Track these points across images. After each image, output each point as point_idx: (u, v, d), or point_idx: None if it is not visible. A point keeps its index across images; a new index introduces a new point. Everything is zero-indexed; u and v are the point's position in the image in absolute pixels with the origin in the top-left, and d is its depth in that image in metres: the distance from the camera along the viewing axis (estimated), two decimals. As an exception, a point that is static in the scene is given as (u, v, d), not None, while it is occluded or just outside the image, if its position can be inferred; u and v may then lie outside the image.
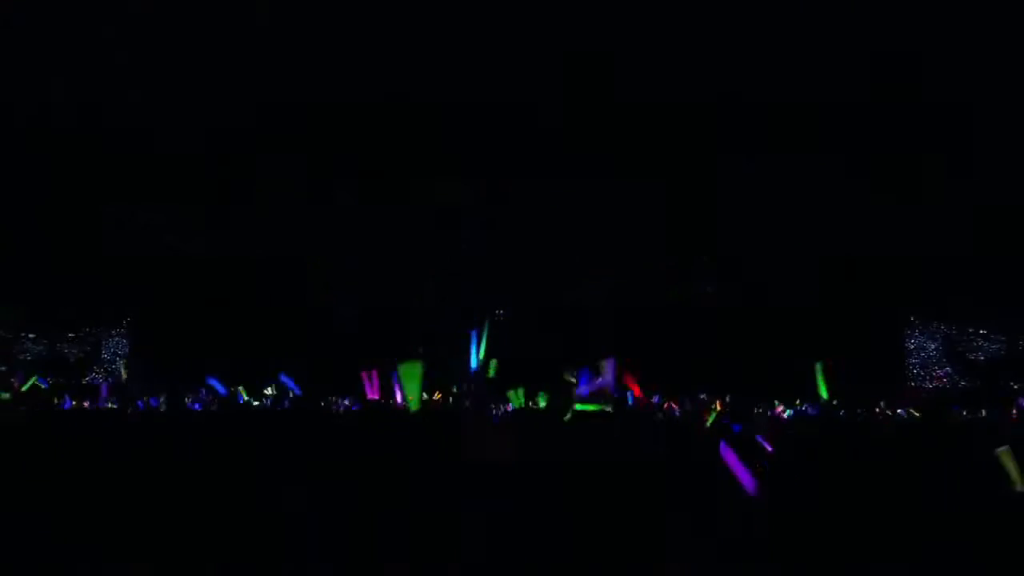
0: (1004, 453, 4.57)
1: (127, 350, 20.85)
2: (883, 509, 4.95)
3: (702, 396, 14.51)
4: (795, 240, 19.14)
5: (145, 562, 4.04)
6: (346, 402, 14.28)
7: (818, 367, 10.11)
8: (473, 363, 7.35)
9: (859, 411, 13.31)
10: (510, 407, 11.06)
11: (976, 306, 19.08)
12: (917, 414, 14.20)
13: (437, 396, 13.68)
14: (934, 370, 19.09)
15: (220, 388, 11.77)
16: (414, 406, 6.92)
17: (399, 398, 7.72)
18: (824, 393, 10.25)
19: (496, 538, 4.37)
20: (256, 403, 14.63)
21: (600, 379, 7.28)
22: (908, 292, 19.38)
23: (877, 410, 14.13)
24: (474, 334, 7.39)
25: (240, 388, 13.32)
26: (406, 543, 4.26)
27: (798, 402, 14.09)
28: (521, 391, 8.05)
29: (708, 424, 7.94)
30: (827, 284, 19.13)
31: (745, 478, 4.76)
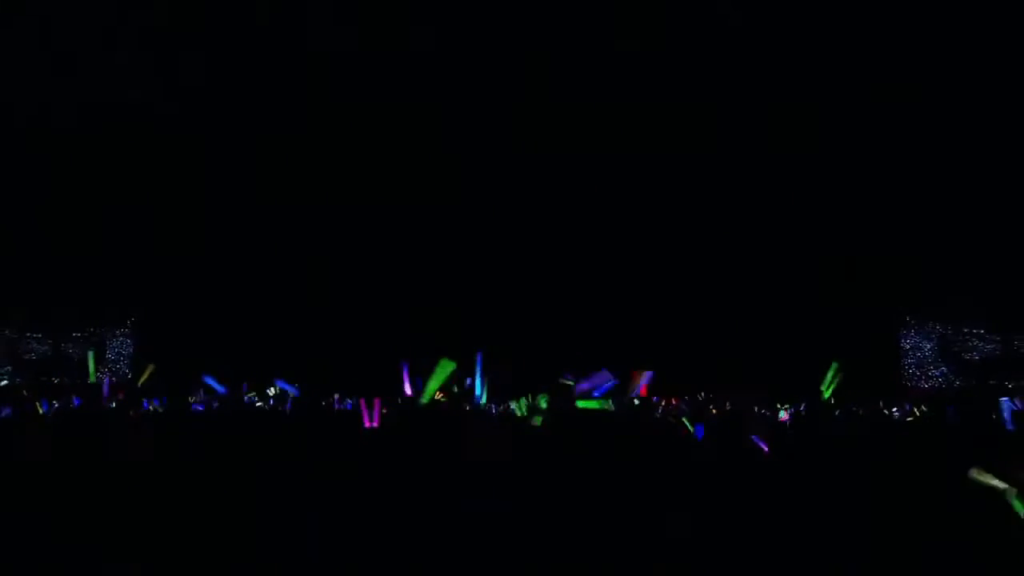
0: (976, 474, 4.55)
1: (131, 350, 20.91)
2: (883, 507, 4.99)
3: (700, 396, 14.55)
4: (794, 239, 19.21)
5: (147, 562, 4.08)
6: (349, 403, 14.32)
7: (833, 367, 10.09)
8: (478, 391, 7.46)
9: (855, 410, 13.35)
10: (510, 406, 11.12)
11: (974, 305, 19.15)
12: (918, 412, 14.21)
13: (439, 396, 13.67)
14: (929, 370, 19.15)
15: (218, 387, 11.77)
16: (425, 399, 7.01)
17: (409, 388, 7.78)
18: (827, 393, 10.27)
19: (496, 538, 4.42)
20: (259, 403, 14.65)
21: (598, 379, 7.37)
22: (905, 291, 19.45)
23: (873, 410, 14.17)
24: (479, 361, 7.51)
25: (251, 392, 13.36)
26: (406, 541, 4.30)
27: (788, 405, 14.11)
28: (523, 402, 8.09)
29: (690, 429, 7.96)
30: (825, 284, 19.19)
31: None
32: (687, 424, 7.96)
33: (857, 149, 19.22)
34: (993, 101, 18.01)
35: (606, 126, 19.63)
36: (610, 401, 8.04)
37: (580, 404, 7.44)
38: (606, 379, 7.46)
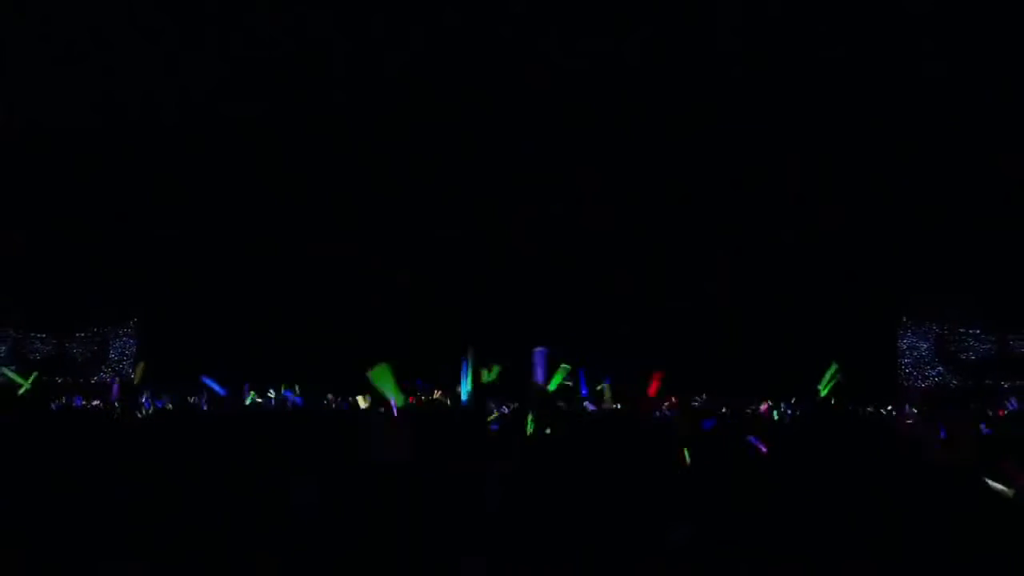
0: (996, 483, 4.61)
1: (134, 350, 20.97)
2: (879, 506, 5.04)
3: (701, 398, 14.62)
4: (792, 239, 19.26)
5: (152, 561, 4.13)
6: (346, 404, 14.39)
7: (832, 368, 10.25)
8: (464, 396, 7.49)
9: (852, 408, 13.42)
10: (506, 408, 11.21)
11: (972, 305, 19.23)
12: (916, 411, 14.28)
13: (437, 395, 13.75)
14: (926, 370, 19.23)
15: (218, 389, 11.82)
16: (399, 402, 7.05)
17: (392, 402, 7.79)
18: (824, 391, 10.38)
19: (495, 533, 4.49)
20: (260, 401, 14.74)
21: (538, 360, 7.50)
22: (902, 290, 19.53)
23: (870, 408, 14.26)
24: (464, 367, 7.56)
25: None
26: (406, 542, 4.36)
27: (793, 400, 14.19)
28: (530, 418, 8.13)
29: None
30: (822, 284, 19.26)
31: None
32: (686, 455, 7.98)
33: (856, 149, 19.28)
34: (990, 103, 18.08)
35: (604, 124, 19.68)
36: (567, 366, 8.14)
37: (551, 387, 7.51)
38: (542, 356, 7.59)
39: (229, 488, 5.55)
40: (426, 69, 19.60)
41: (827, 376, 10.40)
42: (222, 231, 20.38)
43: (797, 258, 19.30)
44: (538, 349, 7.52)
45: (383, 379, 7.02)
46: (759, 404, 13.75)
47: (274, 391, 15.21)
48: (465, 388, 7.61)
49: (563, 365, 7.83)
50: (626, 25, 18.83)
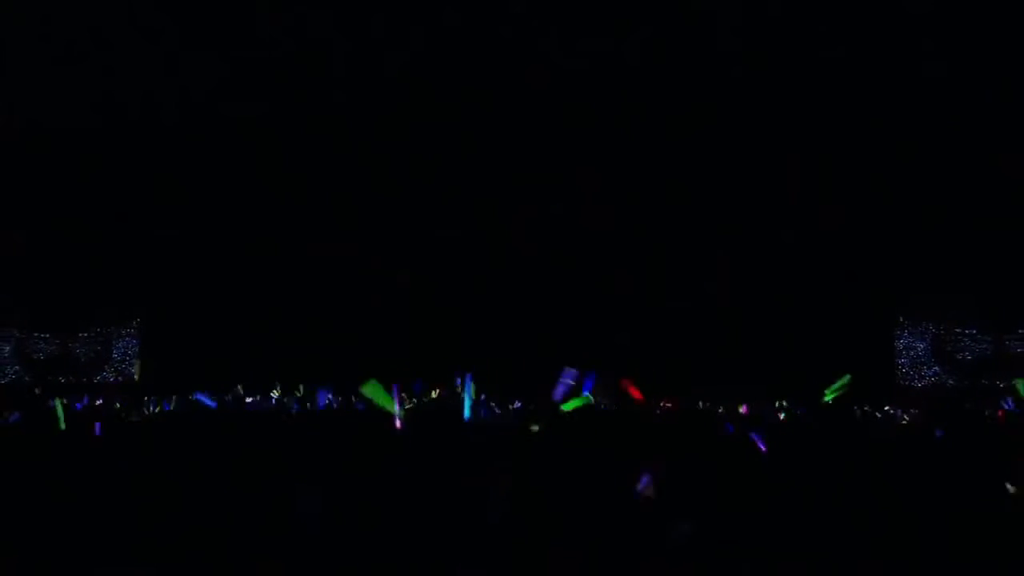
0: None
1: (137, 350, 20.99)
2: (881, 509, 5.06)
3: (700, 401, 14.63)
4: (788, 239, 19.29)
5: (154, 564, 4.14)
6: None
7: (845, 379, 10.24)
8: (466, 412, 7.49)
9: (855, 409, 13.44)
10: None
11: (968, 306, 19.26)
12: (915, 410, 14.30)
13: (435, 393, 13.78)
14: (923, 370, 19.27)
15: (209, 402, 11.87)
16: (399, 413, 7.05)
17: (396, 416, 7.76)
18: (828, 397, 10.39)
19: (496, 536, 4.51)
20: (249, 400, 14.71)
21: (567, 381, 7.46)
22: (899, 290, 19.56)
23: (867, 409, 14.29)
24: (468, 382, 7.57)
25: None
26: (406, 544, 4.38)
27: (783, 403, 14.19)
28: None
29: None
30: (822, 284, 19.28)
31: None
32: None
33: (856, 148, 19.30)
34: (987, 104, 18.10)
35: (604, 124, 19.69)
36: (590, 396, 8.10)
37: (566, 408, 7.49)
38: (574, 376, 7.56)
39: (231, 495, 5.55)
40: (426, 69, 19.62)
41: (838, 385, 10.39)
42: (222, 231, 20.40)
43: (797, 258, 19.32)
44: (569, 370, 7.40)
45: (376, 394, 7.03)
46: (750, 404, 13.74)
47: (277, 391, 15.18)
48: (467, 403, 7.60)
49: (586, 395, 7.75)
50: (626, 25, 18.85)
